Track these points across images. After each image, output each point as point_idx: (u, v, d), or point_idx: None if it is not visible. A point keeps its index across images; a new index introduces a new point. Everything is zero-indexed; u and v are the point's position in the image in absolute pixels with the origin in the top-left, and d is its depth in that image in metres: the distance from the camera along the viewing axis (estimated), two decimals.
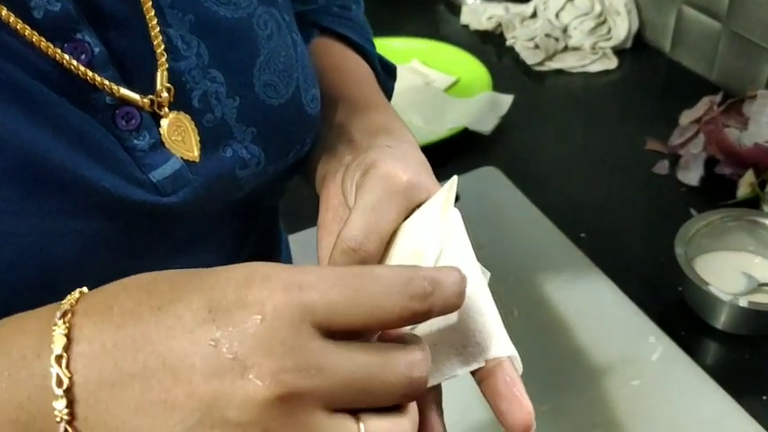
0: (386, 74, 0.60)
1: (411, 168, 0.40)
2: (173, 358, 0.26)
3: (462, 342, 0.33)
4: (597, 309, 0.76)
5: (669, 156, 0.96)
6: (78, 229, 0.36)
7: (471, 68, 1.13)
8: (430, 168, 0.42)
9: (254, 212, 0.51)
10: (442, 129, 1.01)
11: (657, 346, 0.72)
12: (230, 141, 0.42)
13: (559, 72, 1.14)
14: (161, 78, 0.38)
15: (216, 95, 0.41)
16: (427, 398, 0.32)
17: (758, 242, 0.77)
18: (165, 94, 0.38)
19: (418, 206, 0.39)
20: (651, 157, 0.96)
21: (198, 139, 0.40)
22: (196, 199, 0.40)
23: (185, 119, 0.40)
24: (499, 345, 0.33)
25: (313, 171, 0.49)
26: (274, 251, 0.58)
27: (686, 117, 1.00)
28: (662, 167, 0.95)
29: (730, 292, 0.71)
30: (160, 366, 0.26)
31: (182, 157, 0.39)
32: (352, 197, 0.41)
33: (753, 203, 0.86)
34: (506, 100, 1.05)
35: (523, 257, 0.82)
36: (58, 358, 0.27)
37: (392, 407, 0.28)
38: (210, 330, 0.26)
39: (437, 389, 0.34)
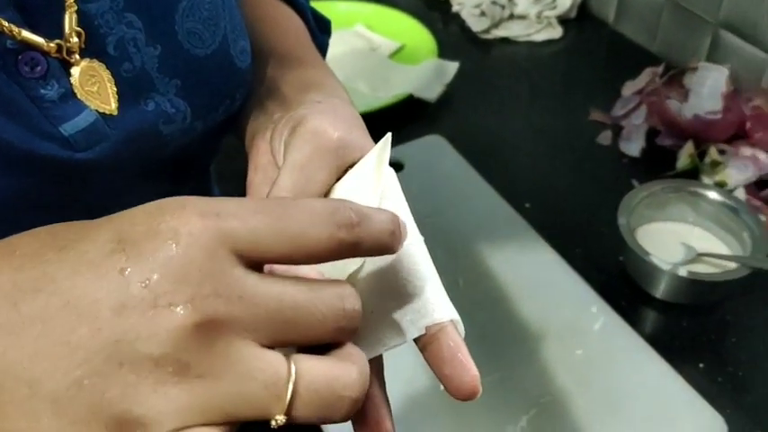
0: (319, 29, 0.57)
1: (342, 125, 0.38)
2: (76, 294, 0.24)
3: (401, 309, 0.32)
4: (541, 279, 0.76)
5: (612, 126, 0.96)
6: None
7: (417, 35, 1.11)
8: (363, 125, 0.40)
9: (184, 173, 0.48)
10: (386, 95, 0.99)
11: (599, 316, 0.73)
12: (152, 94, 0.39)
13: (505, 41, 1.13)
14: (70, 21, 0.35)
15: (134, 42, 0.38)
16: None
17: (697, 213, 0.79)
18: (74, 39, 0.35)
19: (350, 166, 0.38)
20: (594, 127, 0.97)
21: (115, 90, 0.37)
22: (115, 155, 0.37)
23: (100, 67, 0.37)
24: (440, 309, 0.32)
25: (243, 128, 0.46)
26: None
27: (629, 88, 1.01)
28: (605, 138, 0.95)
29: (670, 261, 0.72)
30: (63, 305, 0.24)
31: (97, 110, 0.36)
32: (280, 156, 0.39)
33: (692, 174, 0.88)
34: (452, 68, 1.03)
35: (468, 227, 0.82)
36: None
37: (336, 353, 0.26)
38: (119, 261, 0.24)
39: (378, 360, 0.33)
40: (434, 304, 0.31)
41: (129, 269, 0.23)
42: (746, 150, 0.88)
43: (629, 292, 0.76)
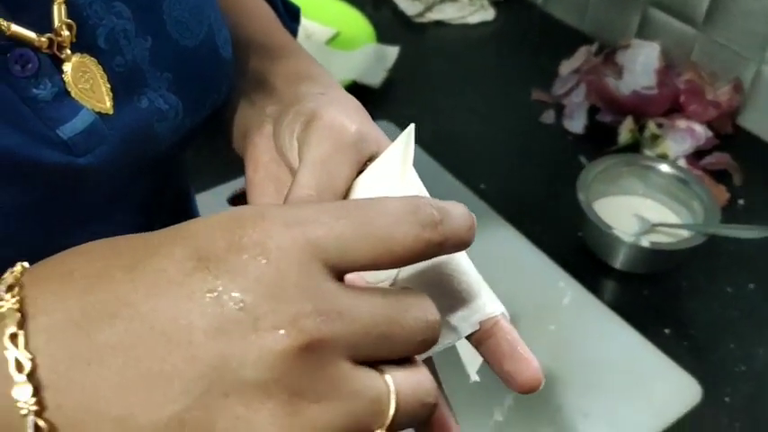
0: (289, 17, 0.55)
1: (356, 117, 0.36)
2: (162, 319, 0.21)
3: (451, 306, 0.31)
4: (507, 258, 0.77)
5: (554, 105, 0.98)
6: None
7: (350, 20, 1.09)
8: (368, 114, 0.39)
9: (168, 170, 0.45)
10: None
11: (567, 291, 0.74)
12: (145, 89, 0.36)
13: (440, 24, 1.13)
14: (59, 13, 0.32)
15: (124, 34, 0.35)
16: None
17: (647, 185, 0.81)
18: (65, 33, 0.32)
19: (369, 159, 0.36)
20: (538, 107, 0.98)
21: (108, 86, 0.34)
22: (114, 158, 0.34)
23: (91, 63, 0.33)
24: (490, 303, 0.31)
25: (229, 124, 0.44)
26: (189, 210, 0.52)
27: (565, 67, 1.03)
28: (548, 117, 0.97)
29: (628, 233, 0.74)
30: (147, 331, 0.21)
31: (92, 109, 0.33)
32: (293, 153, 0.36)
33: (634, 148, 0.91)
34: (392, 52, 1.02)
35: None
36: (13, 337, 0.22)
37: (406, 360, 0.25)
38: (204, 280, 0.22)
39: (431, 360, 0.32)
40: (484, 299, 0.31)
41: (219, 289, 0.21)
42: (682, 123, 0.92)
43: (590, 265, 0.77)
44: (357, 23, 1.08)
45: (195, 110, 0.40)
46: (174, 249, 0.22)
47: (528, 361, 0.29)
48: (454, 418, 0.30)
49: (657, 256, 0.74)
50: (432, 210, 0.24)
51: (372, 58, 1.01)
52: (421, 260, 0.25)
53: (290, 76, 0.42)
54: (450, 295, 0.31)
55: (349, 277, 0.27)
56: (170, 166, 0.45)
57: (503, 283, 0.73)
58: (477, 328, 0.30)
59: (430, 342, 0.25)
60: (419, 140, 0.89)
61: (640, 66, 0.97)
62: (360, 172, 0.35)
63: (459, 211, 0.25)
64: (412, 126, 0.34)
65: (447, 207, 0.25)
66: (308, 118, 0.36)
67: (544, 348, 0.69)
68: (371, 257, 0.23)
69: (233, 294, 0.21)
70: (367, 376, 0.23)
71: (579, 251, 0.79)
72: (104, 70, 0.34)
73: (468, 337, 0.31)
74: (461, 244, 0.25)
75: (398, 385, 0.23)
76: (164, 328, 0.21)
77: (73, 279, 0.23)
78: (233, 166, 0.44)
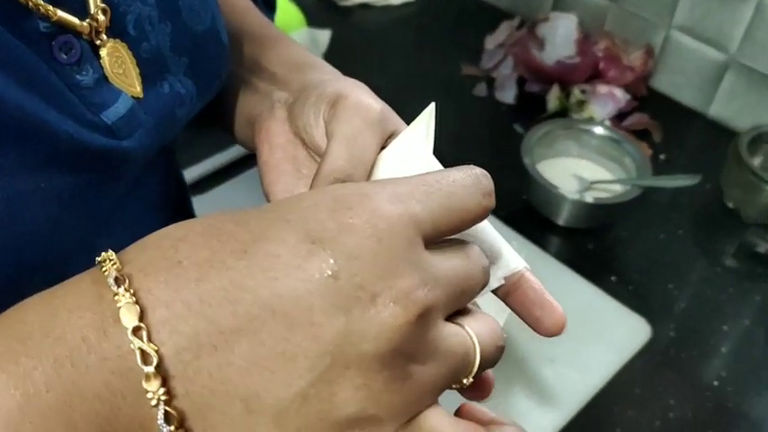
0: (266, 6, 0.56)
1: (377, 99, 0.39)
2: (282, 303, 0.23)
3: None
4: None
5: (485, 78, 1.03)
6: (43, 187, 0.30)
7: (280, 6, 1.09)
8: None
9: (171, 155, 0.46)
10: None
11: (521, 250, 0.78)
12: (166, 75, 0.37)
13: (364, 6, 1.16)
14: None
15: (149, 20, 0.36)
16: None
17: (582, 147, 0.87)
18: (101, 17, 0.32)
19: (390, 137, 0.39)
20: (469, 81, 1.03)
21: (138, 71, 0.35)
22: (149, 142, 0.35)
23: (122, 48, 0.34)
24: (514, 259, 0.33)
25: (231, 114, 0.45)
26: (183, 190, 0.53)
27: (491, 42, 1.08)
28: (480, 90, 1.01)
29: (570, 191, 0.80)
30: (269, 315, 0.23)
31: (128, 93, 0.34)
32: (319, 131, 0.38)
33: (563, 114, 0.97)
34: (324, 36, 1.04)
35: None
36: (136, 330, 0.22)
37: (467, 310, 0.28)
38: (324, 261, 0.23)
39: None
40: (507, 256, 0.33)
41: (336, 269, 0.23)
42: (603, 88, 0.98)
43: (537, 224, 0.83)
44: (287, 9, 1.09)
45: (205, 94, 0.41)
46: (284, 234, 0.24)
47: (554, 306, 0.32)
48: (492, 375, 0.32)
49: (599, 210, 0.80)
50: (486, 180, 0.27)
51: (305, 42, 1.03)
52: (476, 224, 0.28)
53: (289, 63, 0.44)
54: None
55: None
56: (172, 153, 0.46)
57: None
58: (503, 282, 0.33)
59: (484, 287, 0.28)
60: None
61: (560, 37, 1.03)
62: (382, 148, 0.38)
63: (490, 180, 0.28)
64: (432, 105, 0.37)
65: (489, 177, 0.28)
66: (333, 99, 0.38)
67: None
68: (453, 226, 0.26)
69: (350, 274, 0.23)
70: (456, 333, 0.26)
71: (525, 212, 0.84)
72: (134, 55, 0.34)
73: (495, 292, 0.33)
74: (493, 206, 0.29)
75: (479, 336, 0.26)
76: (285, 310, 0.23)
77: (183, 268, 0.23)
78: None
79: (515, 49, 1.02)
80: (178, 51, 0.38)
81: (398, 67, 1.05)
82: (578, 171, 0.86)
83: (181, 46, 0.38)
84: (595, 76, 1.00)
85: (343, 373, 0.23)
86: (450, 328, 0.26)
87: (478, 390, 0.30)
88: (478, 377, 0.28)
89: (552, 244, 0.81)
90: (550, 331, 0.32)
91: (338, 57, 1.04)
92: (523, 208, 0.85)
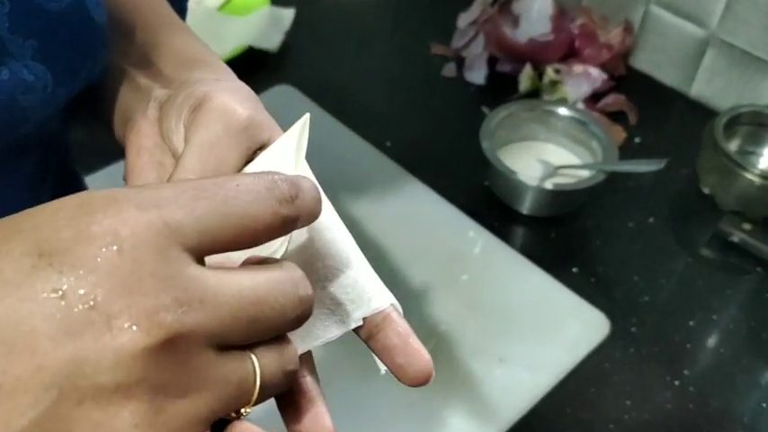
0: None
1: (249, 104, 0.34)
2: (0, 327, 0.19)
3: (334, 300, 0.30)
4: (417, 213, 0.77)
5: (454, 58, 0.98)
6: None
7: None
8: (261, 104, 0.37)
9: (47, 152, 0.42)
10: (223, 50, 0.94)
11: (477, 240, 0.75)
12: (6, 59, 0.33)
13: None
14: None
15: None
16: (301, 366, 0.28)
17: (549, 130, 0.83)
18: None
19: (260, 148, 0.35)
20: (438, 61, 0.98)
21: None
22: None
23: None
24: (377, 297, 0.30)
25: (110, 110, 0.41)
26: (71, 189, 0.50)
27: (463, 20, 1.02)
28: (449, 70, 0.97)
29: (533, 177, 0.75)
30: None
31: None
32: (179, 137, 0.35)
33: (534, 95, 0.92)
34: (287, 14, 0.99)
35: (335, 174, 0.80)
36: None
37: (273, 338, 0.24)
38: (49, 278, 0.20)
39: (309, 355, 0.31)
40: (370, 292, 0.30)
41: (64, 287, 0.20)
42: (578, 68, 0.93)
43: (497, 212, 0.78)
44: None
45: (68, 80, 0.37)
46: (10, 246, 0.20)
47: (420, 354, 0.29)
48: (329, 415, 0.28)
49: (561, 197, 0.76)
50: (286, 185, 0.24)
51: (267, 22, 0.98)
52: (277, 237, 0.24)
53: (178, 59, 0.40)
54: (332, 288, 0.30)
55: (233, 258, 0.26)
56: (48, 144, 0.42)
57: (412, 237, 0.74)
58: (361, 323, 0.29)
59: (303, 318, 0.24)
60: (323, 103, 0.88)
61: (536, 13, 0.97)
62: (249, 161, 0.34)
63: (309, 185, 0.25)
64: (307, 115, 0.32)
65: (299, 182, 0.24)
66: (197, 101, 0.34)
67: (458, 298, 0.69)
68: (232, 237, 0.22)
69: (81, 292, 0.20)
70: (232, 360, 0.22)
71: (486, 200, 0.80)
72: None
73: (357, 332, 0.30)
74: (312, 218, 0.25)
75: (262, 360, 0.23)
76: (2, 337, 0.19)
77: None
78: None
79: (487, 26, 0.97)
80: (21, 33, 0.34)
81: (363, 47, 1.01)
82: (544, 155, 0.81)
83: (26, 27, 0.34)
84: (570, 54, 0.95)
85: (75, 409, 0.19)
86: (222, 358, 0.22)
87: (296, 410, 0.27)
88: (297, 392, 0.25)
89: (512, 233, 0.77)
90: (414, 381, 0.29)
91: (300, 37, 0.99)
92: (485, 195, 0.80)
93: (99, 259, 0.20)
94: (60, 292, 0.19)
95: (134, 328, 0.19)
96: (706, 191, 0.80)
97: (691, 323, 0.69)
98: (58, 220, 0.20)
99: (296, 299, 0.23)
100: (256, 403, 0.23)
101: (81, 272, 0.20)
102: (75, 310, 0.19)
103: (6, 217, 0.22)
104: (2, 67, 0.33)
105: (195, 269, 0.21)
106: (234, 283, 0.22)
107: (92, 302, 0.19)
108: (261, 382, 0.22)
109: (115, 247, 0.20)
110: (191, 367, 0.21)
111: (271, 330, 0.23)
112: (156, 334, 0.20)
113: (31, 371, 0.19)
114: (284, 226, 0.23)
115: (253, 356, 0.23)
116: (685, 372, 0.66)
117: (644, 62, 0.96)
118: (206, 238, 0.21)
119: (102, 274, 0.20)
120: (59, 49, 0.36)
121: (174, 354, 0.20)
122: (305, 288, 0.24)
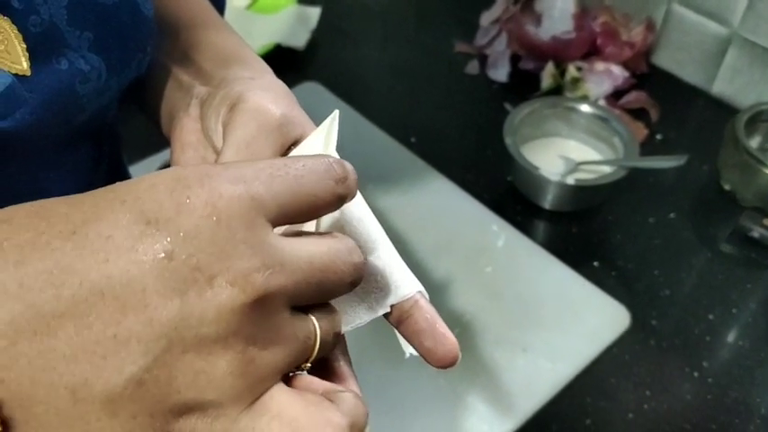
0: None
1: (282, 102, 0.37)
2: (113, 285, 0.22)
3: (364, 287, 0.31)
4: (441, 207, 0.79)
5: (478, 56, 1.00)
6: None
7: None
8: (296, 100, 0.40)
9: (100, 139, 0.45)
10: (252, 48, 0.96)
11: (501, 234, 0.76)
12: (64, 50, 0.35)
13: None
14: None
15: None
16: (335, 349, 0.31)
17: (570, 127, 0.84)
18: None
19: (293, 144, 0.37)
20: (462, 58, 1.00)
21: (24, 47, 0.33)
22: (35, 123, 0.34)
23: (5, 23, 0.33)
24: (405, 284, 0.31)
25: (155, 105, 0.43)
26: (120, 176, 0.52)
27: (486, 18, 1.04)
28: (473, 68, 0.98)
29: (555, 173, 0.77)
30: (98, 298, 0.22)
31: (8, 71, 0.33)
32: (218, 136, 0.37)
33: (557, 93, 0.93)
34: (314, 13, 1.02)
35: (361, 169, 0.81)
36: None
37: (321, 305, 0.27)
38: (158, 242, 0.22)
39: (342, 339, 0.32)
40: (398, 280, 0.31)
41: (171, 250, 0.22)
42: (600, 65, 0.94)
43: (520, 207, 0.80)
44: None
45: (120, 70, 0.39)
46: (117, 215, 0.22)
47: (446, 337, 0.30)
48: (354, 375, 0.31)
49: (583, 192, 0.78)
50: (339, 167, 0.26)
51: (295, 20, 1.01)
52: (331, 212, 0.27)
53: (218, 57, 0.42)
54: (365, 277, 0.31)
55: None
56: (102, 134, 0.45)
57: (438, 231, 0.76)
58: (388, 310, 0.31)
59: (356, 283, 0.27)
60: (349, 99, 0.90)
61: (558, 11, 0.99)
62: (284, 156, 0.36)
63: (352, 168, 0.28)
64: (336, 112, 0.34)
65: (346, 164, 0.27)
66: (233, 101, 0.36)
67: (482, 289, 0.71)
68: (301, 211, 0.25)
69: (186, 255, 0.22)
70: (299, 320, 0.25)
71: (510, 195, 0.82)
72: (19, 30, 0.33)
73: (387, 317, 0.32)
74: (352, 196, 0.28)
75: (319, 321, 0.26)
76: (117, 293, 0.22)
77: (2, 250, 0.22)
78: (164, 136, 0.44)
79: (510, 24, 0.99)
80: (79, 25, 0.36)
81: (388, 44, 1.03)
82: (566, 152, 0.83)
83: (82, 19, 0.36)
84: (592, 52, 0.96)
85: (180, 357, 0.22)
86: (294, 320, 0.25)
87: (333, 376, 0.30)
88: (332, 374, 0.28)
89: (535, 228, 0.79)
90: (442, 363, 0.30)
91: (327, 35, 1.02)
92: (508, 190, 0.82)
93: (200, 227, 0.22)
94: (168, 255, 0.22)
95: (232, 286, 0.22)
96: (727, 187, 0.81)
97: (710, 317, 0.71)
98: (159, 192, 0.23)
99: (351, 265, 0.26)
100: (313, 361, 0.26)
101: (185, 238, 0.22)
102: (181, 270, 0.22)
103: (99, 189, 0.24)
104: (61, 57, 0.35)
105: (275, 237, 0.24)
106: (304, 251, 0.25)
107: (195, 264, 0.22)
108: (320, 341, 0.26)
109: (215, 218, 0.22)
110: (273, 324, 0.23)
111: (332, 293, 0.26)
112: (249, 292, 0.22)
113: (143, 323, 0.21)
114: (338, 202, 0.26)
115: (312, 318, 0.26)
116: (704, 364, 0.67)
117: (666, 60, 0.97)
118: (281, 210, 0.24)
119: (203, 239, 0.22)
120: (113, 41, 0.38)
121: (261, 311, 0.23)
122: (358, 255, 0.27)
